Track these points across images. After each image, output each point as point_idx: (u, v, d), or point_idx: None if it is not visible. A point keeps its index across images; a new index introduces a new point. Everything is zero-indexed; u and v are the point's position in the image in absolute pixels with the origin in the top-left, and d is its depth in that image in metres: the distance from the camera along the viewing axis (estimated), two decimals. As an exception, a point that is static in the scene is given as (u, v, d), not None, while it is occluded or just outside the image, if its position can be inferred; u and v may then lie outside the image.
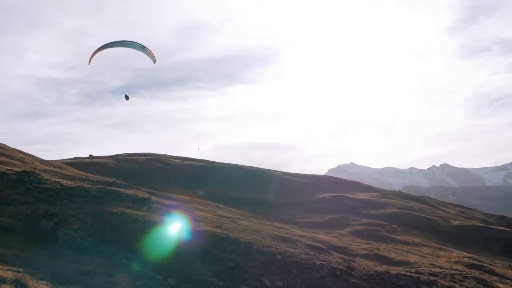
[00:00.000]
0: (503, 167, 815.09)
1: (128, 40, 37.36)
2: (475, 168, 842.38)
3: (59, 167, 49.86)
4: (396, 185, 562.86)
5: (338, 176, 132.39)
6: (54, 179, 35.88)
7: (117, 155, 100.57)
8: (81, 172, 49.86)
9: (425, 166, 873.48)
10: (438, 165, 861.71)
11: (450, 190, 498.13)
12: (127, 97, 39.62)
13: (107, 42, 36.98)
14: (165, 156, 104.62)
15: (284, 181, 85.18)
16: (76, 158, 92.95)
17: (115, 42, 37.07)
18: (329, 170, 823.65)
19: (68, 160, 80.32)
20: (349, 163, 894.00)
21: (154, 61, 39.08)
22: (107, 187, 36.18)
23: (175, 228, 28.73)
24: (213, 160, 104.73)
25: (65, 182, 35.82)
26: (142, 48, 37.85)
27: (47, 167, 46.11)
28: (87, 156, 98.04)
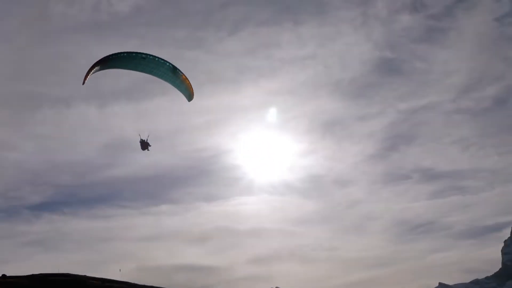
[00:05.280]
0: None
1: (152, 54, 21.76)
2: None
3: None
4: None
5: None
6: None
7: (32, 275, 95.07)
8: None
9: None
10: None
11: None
12: (145, 145, 27.21)
13: (115, 52, 22.00)
14: (85, 277, 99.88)
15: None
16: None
17: (131, 53, 21.44)
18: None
19: (-22, 280, 75.28)
20: (274, 287, 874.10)
21: (190, 98, 25.49)
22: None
23: None
24: (135, 282, 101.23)
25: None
26: (173, 72, 22.62)
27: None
28: (0, 275, 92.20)
